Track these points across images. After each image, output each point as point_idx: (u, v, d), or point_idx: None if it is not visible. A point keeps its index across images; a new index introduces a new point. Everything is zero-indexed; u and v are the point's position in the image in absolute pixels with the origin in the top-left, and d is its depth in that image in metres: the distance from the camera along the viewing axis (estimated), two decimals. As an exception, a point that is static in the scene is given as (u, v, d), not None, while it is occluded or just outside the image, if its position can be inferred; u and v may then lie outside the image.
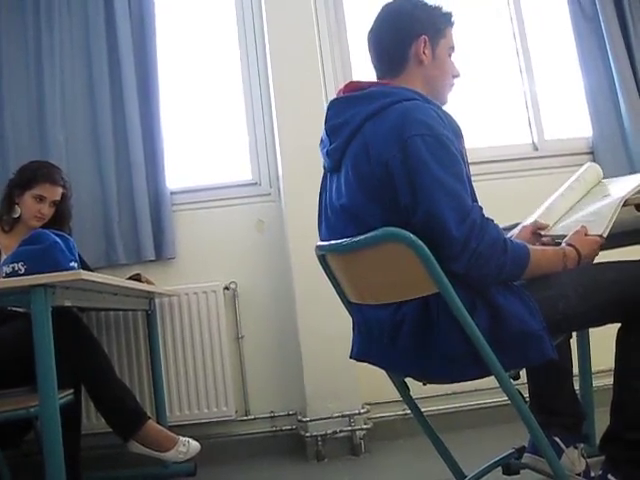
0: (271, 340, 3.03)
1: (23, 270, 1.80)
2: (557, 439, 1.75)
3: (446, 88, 1.64)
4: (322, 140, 1.62)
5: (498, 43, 3.44)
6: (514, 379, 1.43)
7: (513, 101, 3.39)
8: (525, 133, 3.36)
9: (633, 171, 3.04)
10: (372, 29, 1.63)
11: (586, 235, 1.53)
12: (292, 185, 2.90)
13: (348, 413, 2.77)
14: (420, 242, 1.31)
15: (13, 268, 1.81)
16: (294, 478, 2.60)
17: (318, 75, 3.01)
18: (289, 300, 2.93)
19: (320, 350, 2.78)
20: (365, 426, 2.80)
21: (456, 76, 1.65)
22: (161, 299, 2.93)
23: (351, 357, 1.64)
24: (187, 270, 3.05)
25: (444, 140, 1.39)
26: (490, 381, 1.39)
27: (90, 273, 1.95)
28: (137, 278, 2.75)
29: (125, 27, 3.05)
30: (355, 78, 2.13)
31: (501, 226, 1.43)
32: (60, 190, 2.62)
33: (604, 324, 1.50)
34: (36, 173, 2.57)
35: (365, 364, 1.62)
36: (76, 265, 1.93)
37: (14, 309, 2.26)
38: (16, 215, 2.58)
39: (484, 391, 2.76)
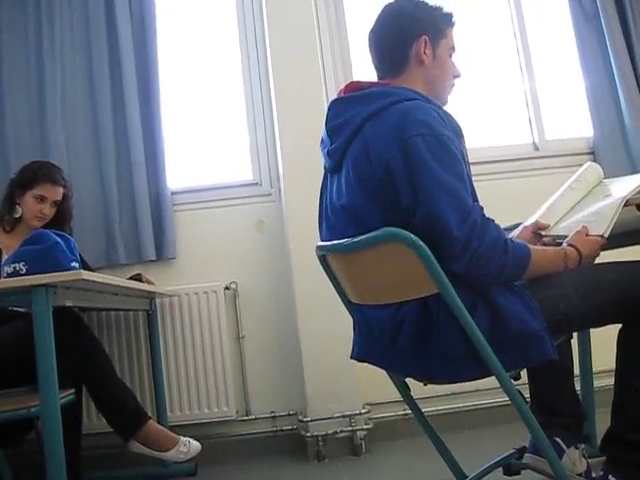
0: (272, 340, 3.03)
1: (24, 270, 1.80)
2: (558, 439, 1.75)
3: (447, 88, 1.64)
4: (323, 140, 1.63)
5: (498, 42, 3.43)
6: (515, 379, 1.43)
7: (514, 101, 3.39)
8: (526, 133, 3.35)
9: (634, 171, 3.03)
10: (373, 29, 1.64)
11: (587, 235, 1.53)
12: (293, 185, 2.90)
13: (349, 413, 2.78)
14: (421, 242, 1.32)
15: (14, 268, 1.81)
16: (295, 478, 2.60)
17: (319, 75, 3.01)
18: (290, 300, 2.93)
19: (321, 350, 2.78)
20: (366, 426, 2.80)
21: (457, 76, 1.65)
22: (162, 299, 2.93)
23: (352, 357, 1.64)
24: (188, 270, 3.05)
25: (445, 140, 1.39)
26: (491, 381, 1.39)
27: (91, 273, 1.95)
28: (138, 278, 2.75)
29: (126, 28, 3.05)
30: (356, 78, 2.12)
31: (502, 226, 1.43)
32: (61, 190, 2.62)
33: (605, 324, 1.50)
34: (37, 173, 2.57)
35: (366, 364, 1.62)
36: (77, 265, 1.93)
37: (15, 309, 2.26)
38: (17, 215, 2.58)
39: (485, 391, 2.77)
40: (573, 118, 3.38)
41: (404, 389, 1.71)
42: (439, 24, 1.60)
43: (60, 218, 2.66)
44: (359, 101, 1.52)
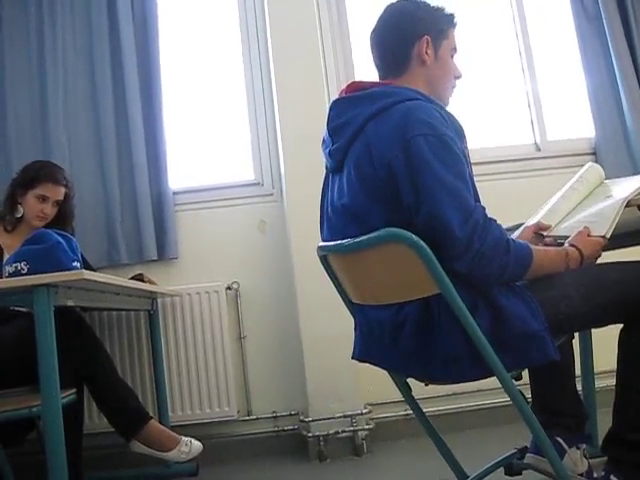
0: (273, 340, 3.03)
1: (26, 270, 1.80)
2: (559, 439, 1.75)
3: (448, 89, 1.64)
4: (324, 140, 1.63)
5: (501, 43, 3.43)
6: (516, 379, 1.43)
7: (515, 101, 3.39)
8: (527, 134, 3.35)
9: (636, 172, 3.03)
10: (375, 29, 1.64)
11: (589, 236, 1.53)
12: (294, 185, 2.90)
13: (350, 413, 2.78)
14: (422, 243, 1.32)
15: (16, 268, 1.81)
16: (296, 478, 2.60)
17: (320, 75, 3.01)
18: (291, 300, 2.93)
19: (322, 350, 2.78)
20: (367, 426, 2.80)
21: (458, 77, 1.65)
22: (163, 299, 2.93)
23: (353, 358, 1.64)
24: (189, 270, 3.05)
25: (447, 140, 1.39)
26: (492, 381, 1.39)
27: (93, 273, 1.95)
28: (139, 278, 2.75)
29: (128, 28, 3.05)
30: (358, 78, 2.12)
31: (504, 227, 1.43)
32: (63, 190, 2.62)
33: (606, 324, 1.50)
34: (39, 173, 2.57)
35: (367, 364, 1.62)
36: (79, 265, 1.93)
37: (17, 309, 2.26)
38: (19, 215, 2.58)
39: (486, 392, 2.76)
40: (575, 119, 3.37)
41: (405, 389, 1.71)
42: (441, 24, 1.60)
43: (62, 218, 2.66)
44: (361, 101, 1.52)
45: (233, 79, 3.28)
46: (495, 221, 1.40)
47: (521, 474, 1.85)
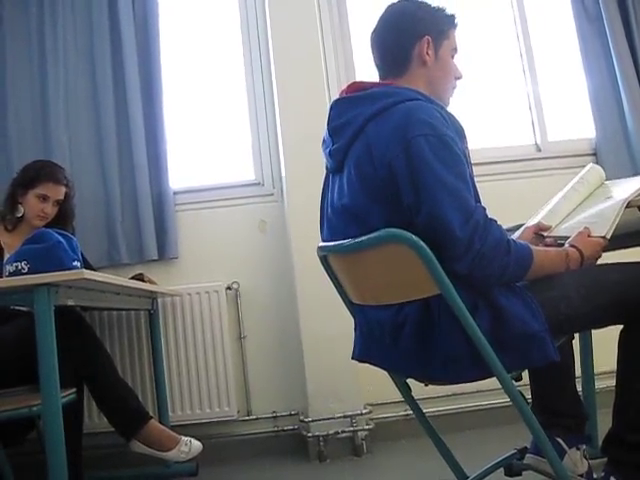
0: (273, 340, 3.03)
1: (26, 269, 1.80)
2: (559, 440, 1.74)
3: (448, 90, 1.64)
4: (324, 140, 1.63)
5: (501, 44, 3.43)
6: (516, 380, 1.43)
7: (516, 102, 3.39)
8: (528, 134, 3.35)
9: (636, 172, 3.03)
10: (375, 29, 1.64)
11: (589, 236, 1.53)
12: (295, 185, 2.90)
13: (350, 413, 2.78)
14: (422, 243, 1.32)
15: (16, 267, 1.82)
16: (296, 478, 2.60)
17: (321, 75, 3.02)
18: (291, 300, 2.93)
19: (322, 350, 2.79)
20: (367, 427, 2.80)
21: (458, 78, 1.65)
22: (164, 299, 2.93)
23: (353, 358, 1.64)
24: (190, 270, 3.05)
25: (447, 140, 1.39)
26: (492, 382, 1.39)
27: (93, 272, 1.95)
28: (140, 278, 2.75)
29: (129, 28, 3.05)
30: (358, 78, 2.13)
31: (504, 227, 1.43)
32: (63, 189, 2.62)
33: (606, 325, 1.50)
34: (39, 172, 2.57)
35: (367, 365, 1.62)
36: (79, 264, 1.93)
37: (17, 308, 2.26)
38: (19, 214, 2.58)
39: (486, 392, 2.77)
40: (575, 120, 3.37)
41: (405, 390, 1.71)
42: (441, 25, 1.60)
43: (62, 217, 2.66)
44: (361, 101, 1.52)
45: (234, 79, 3.28)
46: (496, 222, 1.40)
47: (521, 475, 1.84)
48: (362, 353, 1.62)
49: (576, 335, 1.88)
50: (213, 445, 2.77)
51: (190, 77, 3.31)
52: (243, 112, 3.24)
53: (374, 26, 1.64)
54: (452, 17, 1.63)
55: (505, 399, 1.38)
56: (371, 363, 1.60)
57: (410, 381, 1.68)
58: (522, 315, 1.37)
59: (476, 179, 1.47)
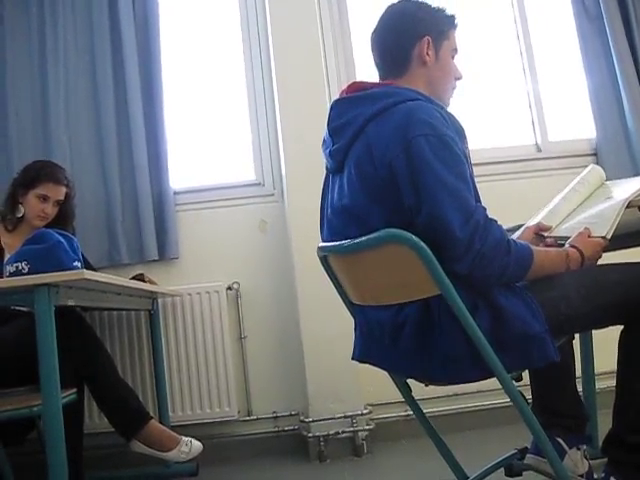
0: (274, 340, 3.03)
1: (27, 269, 1.80)
2: (560, 440, 1.74)
3: (448, 90, 1.64)
4: (324, 141, 1.62)
5: (502, 43, 3.43)
6: (516, 380, 1.43)
7: (516, 102, 3.39)
8: (528, 134, 3.35)
9: (636, 173, 3.03)
10: (375, 29, 1.64)
11: (589, 237, 1.53)
12: (295, 185, 2.90)
13: (350, 414, 2.78)
14: (422, 244, 1.31)
15: (17, 267, 1.82)
16: (296, 478, 2.60)
17: (321, 75, 3.01)
18: (292, 300, 2.93)
19: (322, 350, 2.79)
20: (367, 427, 2.80)
21: (458, 78, 1.65)
22: (164, 299, 2.93)
23: (353, 358, 1.64)
24: (190, 270, 3.05)
25: (447, 140, 1.39)
26: (492, 382, 1.39)
27: (93, 273, 1.95)
28: (140, 278, 2.75)
29: (129, 28, 3.05)
30: (358, 76, 2.13)
31: (504, 227, 1.43)
32: (64, 190, 2.62)
33: (606, 326, 1.50)
34: (40, 172, 2.57)
35: (367, 365, 1.62)
36: (79, 265, 1.94)
37: (17, 308, 2.26)
38: (20, 214, 2.58)
39: (486, 392, 2.77)
40: (576, 119, 3.37)
41: (405, 390, 1.71)
42: (441, 25, 1.60)
43: (63, 217, 2.66)
44: (361, 101, 1.52)
45: (234, 79, 3.28)
46: (496, 222, 1.40)
47: (521, 475, 1.84)
48: (362, 353, 1.62)
49: (576, 335, 1.88)
50: (213, 445, 2.77)
51: (190, 76, 3.31)
52: (243, 112, 3.24)
53: (374, 26, 1.64)
54: (452, 18, 1.63)
55: (505, 399, 1.38)
56: (371, 363, 1.60)
57: (410, 381, 1.68)
58: (522, 315, 1.37)
59: (476, 179, 1.47)
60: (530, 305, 1.39)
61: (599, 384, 2.22)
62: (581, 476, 1.74)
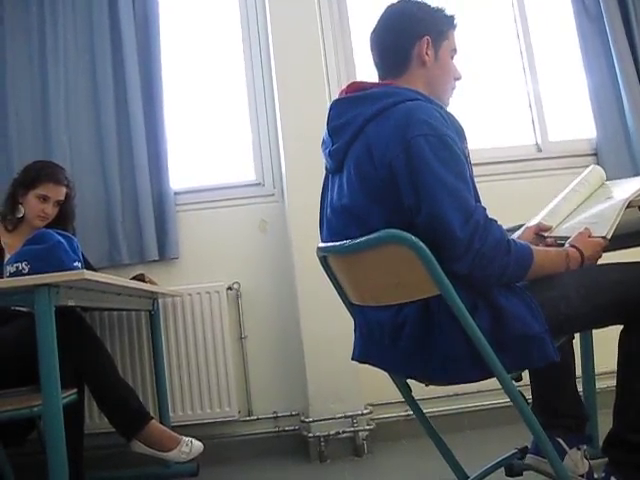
0: (274, 340, 3.03)
1: (27, 270, 1.80)
2: (560, 440, 1.74)
3: (447, 90, 1.64)
4: (324, 141, 1.62)
5: (502, 43, 3.43)
6: (516, 380, 1.43)
7: (517, 102, 3.39)
8: (529, 134, 3.35)
9: (637, 173, 3.03)
10: (375, 29, 1.64)
11: (589, 237, 1.53)
12: (295, 185, 2.90)
13: (351, 414, 2.78)
14: (422, 244, 1.31)
15: (17, 267, 1.82)
16: (297, 478, 2.60)
17: (321, 75, 3.01)
18: (292, 301, 2.93)
19: (323, 351, 2.79)
20: (368, 427, 2.80)
21: (458, 78, 1.65)
22: (164, 299, 2.93)
23: (353, 359, 1.64)
24: (190, 270, 3.05)
25: (447, 140, 1.39)
26: (492, 382, 1.39)
27: (94, 273, 1.95)
28: (140, 278, 2.75)
29: (129, 27, 3.05)
30: (359, 78, 2.12)
31: (505, 227, 1.43)
32: (64, 190, 2.62)
33: (606, 325, 1.50)
34: (40, 173, 2.57)
35: (367, 365, 1.62)
36: (80, 265, 1.94)
37: (17, 309, 2.26)
38: (20, 215, 2.58)
39: (486, 392, 2.77)
40: (576, 119, 3.37)
41: (406, 390, 1.71)
42: (441, 26, 1.60)
43: (63, 218, 2.66)
44: (361, 101, 1.52)
45: (234, 78, 3.28)
46: (496, 222, 1.40)
47: (522, 475, 1.84)
48: (362, 354, 1.62)
49: (576, 335, 1.88)
50: (214, 445, 2.77)
51: (190, 76, 3.31)
52: (243, 112, 3.24)
53: (374, 26, 1.64)
54: (452, 18, 1.63)
55: (505, 399, 1.38)
56: (371, 364, 1.60)
57: (410, 381, 1.68)
58: (522, 315, 1.37)
59: (476, 179, 1.47)
60: (530, 305, 1.39)
61: (599, 384, 2.22)
62: (581, 476, 1.74)
